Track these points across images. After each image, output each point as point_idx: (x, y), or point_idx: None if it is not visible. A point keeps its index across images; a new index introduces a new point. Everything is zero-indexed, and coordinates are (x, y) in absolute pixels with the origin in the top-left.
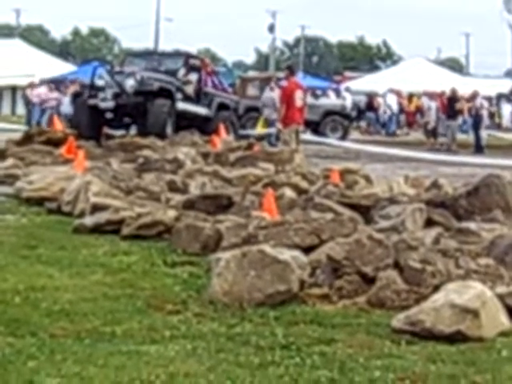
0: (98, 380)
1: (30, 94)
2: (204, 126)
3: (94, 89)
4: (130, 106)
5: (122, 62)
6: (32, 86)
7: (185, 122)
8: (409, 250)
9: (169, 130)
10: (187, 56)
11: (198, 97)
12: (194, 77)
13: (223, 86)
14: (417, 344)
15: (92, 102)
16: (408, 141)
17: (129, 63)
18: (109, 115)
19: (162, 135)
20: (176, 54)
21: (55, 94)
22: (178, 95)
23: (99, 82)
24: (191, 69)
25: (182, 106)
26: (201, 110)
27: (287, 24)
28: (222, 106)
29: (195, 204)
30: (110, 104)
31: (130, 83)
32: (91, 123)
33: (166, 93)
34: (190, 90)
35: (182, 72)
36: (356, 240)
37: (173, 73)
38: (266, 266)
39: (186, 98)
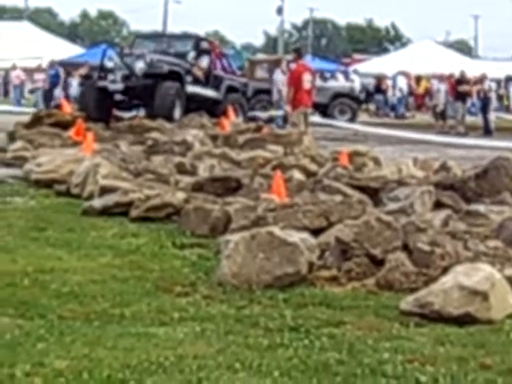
0: (107, 362)
1: (10, 76)
2: (213, 109)
3: (103, 71)
4: (139, 88)
5: (131, 44)
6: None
7: (194, 104)
8: (417, 233)
9: (177, 112)
10: (196, 38)
11: (208, 79)
12: (203, 59)
13: (232, 68)
14: (425, 326)
15: (101, 83)
16: (417, 123)
17: (138, 45)
18: (118, 97)
19: (169, 117)
20: (185, 37)
21: (41, 76)
22: (188, 78)
23: (109, 64)
24: (200, 51)
25: (191, 88)
26: (210, 93)
27: (295, 6)
28: (231, 89)
29: (204, 186)
30: (120, 86)
31: (139, 65)
32: (100, 105)
33: (175, 75)
34: (199, 72)
35: (191, 55)
36: (365, 222)
37: (182, 55)
38: (275, 248)
39: (196, 81)
